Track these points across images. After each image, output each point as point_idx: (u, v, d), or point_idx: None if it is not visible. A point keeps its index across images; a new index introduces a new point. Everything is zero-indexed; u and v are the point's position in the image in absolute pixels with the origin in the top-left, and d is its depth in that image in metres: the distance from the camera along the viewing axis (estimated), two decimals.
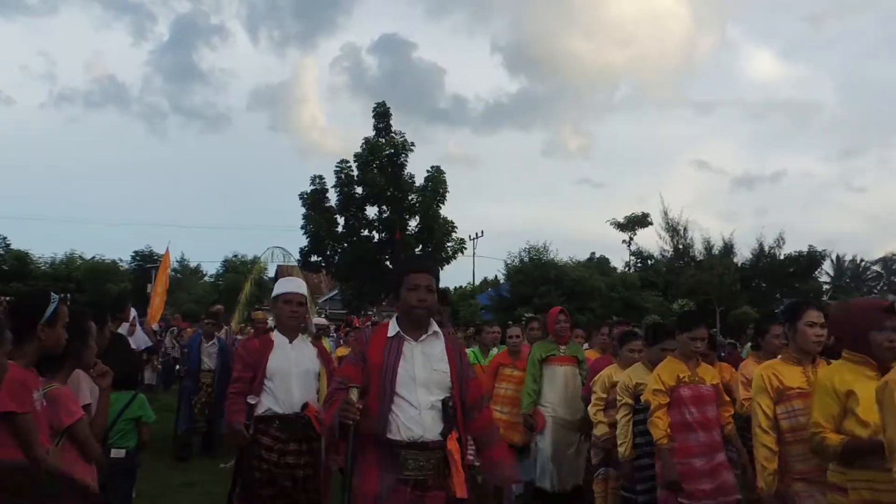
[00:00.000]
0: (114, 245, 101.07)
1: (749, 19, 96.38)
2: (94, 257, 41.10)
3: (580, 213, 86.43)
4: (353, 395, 2.94)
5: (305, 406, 4.13)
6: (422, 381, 3.10)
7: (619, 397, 5.06)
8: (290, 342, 4.30)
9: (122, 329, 8.21)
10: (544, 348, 6.45)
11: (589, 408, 5.65)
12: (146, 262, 41.38)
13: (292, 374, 4.18)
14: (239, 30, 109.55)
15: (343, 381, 3.13)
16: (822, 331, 3.75)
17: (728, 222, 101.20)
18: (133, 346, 6.95)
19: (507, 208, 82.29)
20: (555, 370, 6.34)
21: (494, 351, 7.53)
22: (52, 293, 3.00)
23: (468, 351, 8.09)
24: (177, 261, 46.78)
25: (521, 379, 6.48)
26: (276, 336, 4.34)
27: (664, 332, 5.15)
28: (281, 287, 4.46)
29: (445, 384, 3.15)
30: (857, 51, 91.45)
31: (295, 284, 4.52)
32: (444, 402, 3.09)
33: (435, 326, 3.24)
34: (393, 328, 3.21)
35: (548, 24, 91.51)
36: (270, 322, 9.53)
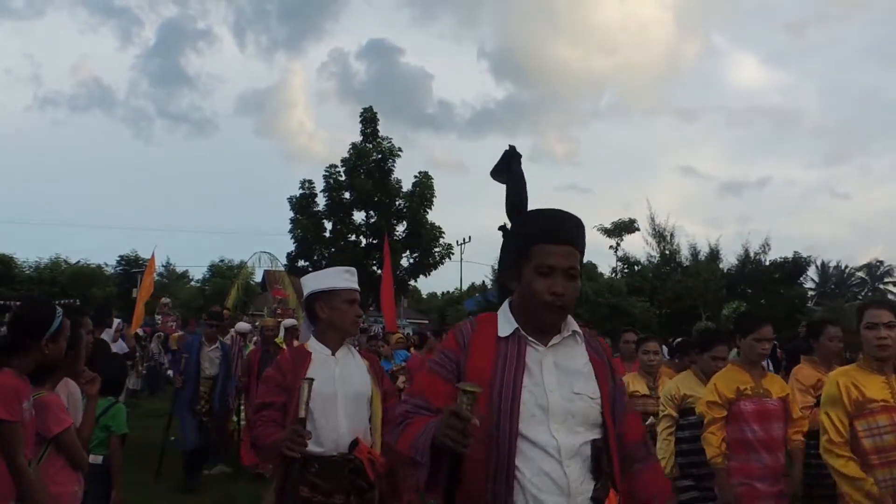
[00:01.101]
0: (99, 249, 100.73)
1: (732, 27, 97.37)
2: (79, 262, 40.83)
3: None
4: (464, 400, 1.71)
5: (355, 444, 2.99)
6: (558, 411, 1.91)
7: (662, 408, 4.59)
8: (333, 354, 3.14)
9: (107, 336, 8.19)
10: None
11: None
12: (132, 267, 41.17)
13: (338, 398, 3.01)
14: (226, 35, 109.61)
15: (423, 402, 1.99)
16: (889, 332, 3.16)
17: (713, 228, 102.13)
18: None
19: (494, 214, 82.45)
20: None
21: None
22: (58, 306, 2.98)
23: None
24: (163, 265, 46.60)
25: None
26: (313, 345, 3.17)
27: (716, 338, 4.68)
28: (336, 280, 3.23)
29: (593, 418, 1.96)
30: (839, 58, 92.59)
31: (355, 278, 3.30)
32: (593, 444, 1.93)
33: (573, 324, 2.04)
34: (506, 324, 2.02)
35: (534, 31, 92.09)
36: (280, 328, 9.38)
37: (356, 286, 3.26)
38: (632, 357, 5.75)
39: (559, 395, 1.93)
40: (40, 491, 2.76)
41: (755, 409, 3.88)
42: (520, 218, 2.31)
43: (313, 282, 3.27)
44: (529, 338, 1.98)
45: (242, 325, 10.55)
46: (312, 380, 2.81)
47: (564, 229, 2.01)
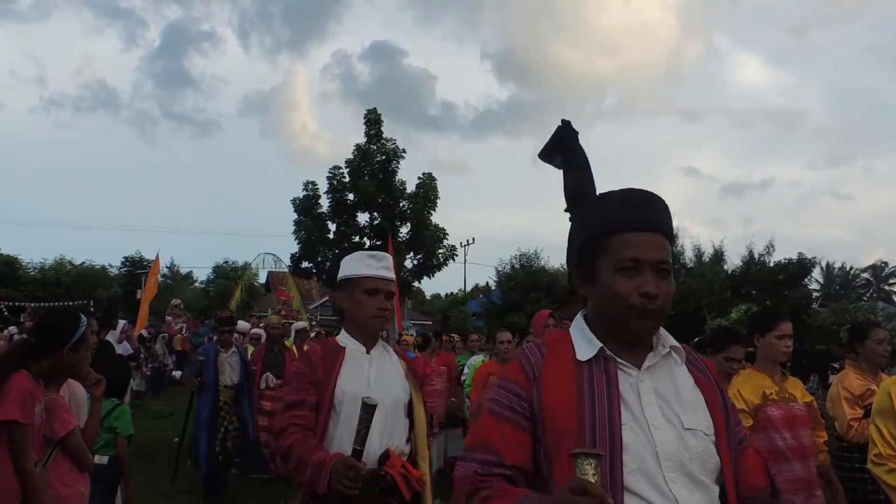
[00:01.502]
0: (103, 250, 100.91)
1: (735, 28, 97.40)
2: (83, 263, 40.93)
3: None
4: (589, 469, 1.26)
5: (387, 457, 2.56)
6: (671, 456, 1.44)
7: None
8: (368, 352, 2.76)
9: (112, 337, 8.22)
10: None
11: None
12: (136, 268, 41.28)
13: None
14: (230, 36, 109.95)
15: (494, 457, 1.51)
16: None
17: (717, 229, 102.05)
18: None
19: (497, 215, 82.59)
20: None
21: (479, 358, 7.52)
22: (82, 315, 3.05)
23: (477, 359, 7.81)
24: (167, 266, 46.64)
25: None
26: (344, 340, 2.77)
27: (730, 337, 4.35)
28: (359, 267, 2.80)
29: (713, 461, 1.49)
30: (842, 60, 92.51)
31: (382, 264, 2.81)
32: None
33: (669, 337, 1.61)
34: (585, 343, 1.57)
35: (536, 33, 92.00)
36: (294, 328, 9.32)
37: (381, 273, 2.78)
38: None
39: (668, 432, 1.46)
40: (45, 494, 2.79)
41: (783, 414, 3.54)
42: (587, 204, 1.79)
43: (341, 268, 2.89)
44: (619, 360, 1.53)
45: (242, 325, 10.51)
46: (375, 405, 2.36)
47: (647, 212, 1.57)
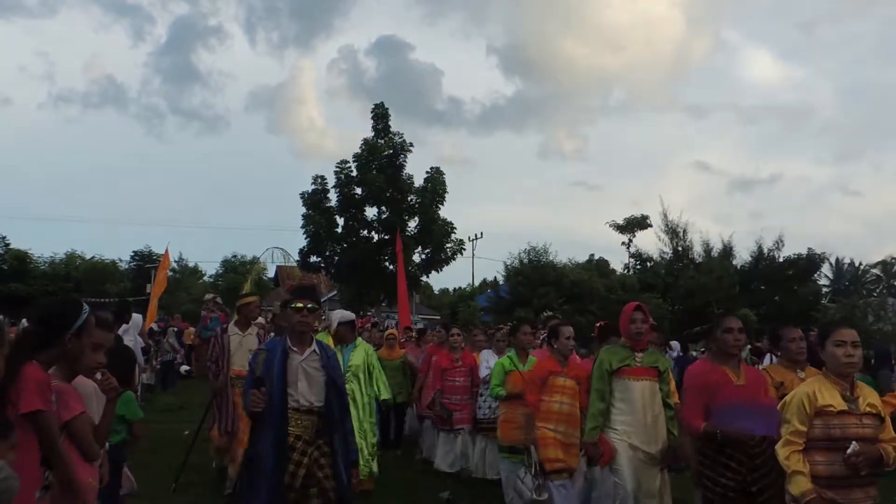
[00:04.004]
0: (113, 245, 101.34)
1: (744, 24, 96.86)
2: (93, 257, 41.21)
3: (579, 214, 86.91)
4: None
5: None
6: None
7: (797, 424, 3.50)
8: None
9: (124, 332, 8.27)
10: (616, 355, 5.05)
11: (779, 448, 3.57)
12: (145, 263, 41.47)
13: None
14: (237, 32, 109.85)
15: None
16: None
17: (725, 225, 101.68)
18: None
19: (504, 210, 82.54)
20: (628, 386, 4.94)
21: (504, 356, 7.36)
22: (84, 303, 3.08)
23: (505, 355, 7.23)
24: (175, 261, 46.78)
25: (576, 390, 5.67)
26: None
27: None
28: None
29: None
30: (852, 55, 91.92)
31: None
32: None
33: None
34: None
35: (543, 28, 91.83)
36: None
37: None
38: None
39: None
40: (77, 476, 2.88)
41: None
42: None
43: None
44: None
45: (344, 314, 7.24)
46: None
47: None
